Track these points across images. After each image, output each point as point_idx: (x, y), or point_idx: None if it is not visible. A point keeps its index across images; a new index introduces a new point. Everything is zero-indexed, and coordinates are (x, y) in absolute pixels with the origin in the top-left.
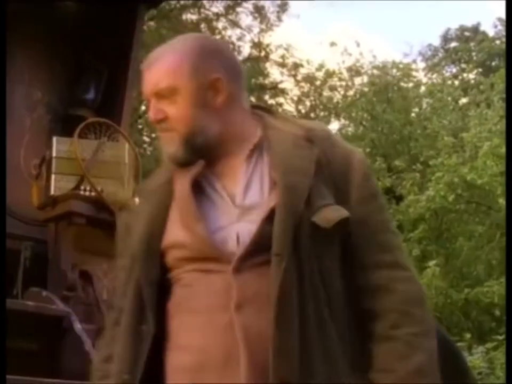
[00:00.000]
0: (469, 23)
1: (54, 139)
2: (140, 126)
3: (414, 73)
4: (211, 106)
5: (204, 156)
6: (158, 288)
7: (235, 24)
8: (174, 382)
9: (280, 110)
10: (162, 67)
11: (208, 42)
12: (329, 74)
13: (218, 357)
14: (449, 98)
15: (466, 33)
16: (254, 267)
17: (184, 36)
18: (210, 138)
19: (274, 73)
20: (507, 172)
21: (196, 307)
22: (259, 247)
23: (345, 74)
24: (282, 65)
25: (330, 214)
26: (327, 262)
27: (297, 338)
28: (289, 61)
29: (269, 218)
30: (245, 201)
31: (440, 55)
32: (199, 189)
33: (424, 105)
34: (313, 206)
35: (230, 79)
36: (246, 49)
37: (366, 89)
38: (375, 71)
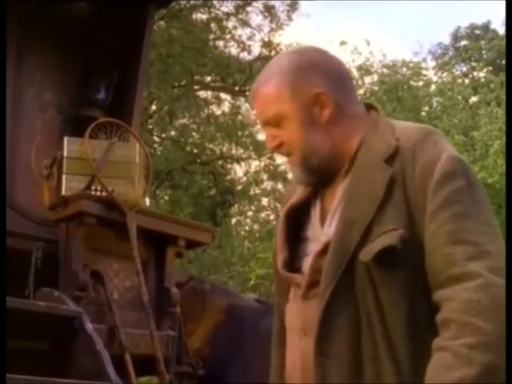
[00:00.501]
0: (479, 21)
1: (65, 139)
2: (150, 126)
3: (424, 72)
4: (319, 123)
5: (327, 174)
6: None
7: (245, 23)
8: None
9: None
10: (263, 96)
11: (302, 57)
12: None
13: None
14: (460, 97)
15: (477, 32)
16: (315, 297)
17: (279, 56)
18: (325, 157)
19: None
20: (507, 172)
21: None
22: (315, 279)
23: (355, 73)
24: None
25: (374, 245)
26: (389, 291)
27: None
28: None
29: (324, 251)
30: (330, 228)
31: (450, 53)
32: (307, 208)
33: (435, 104)
34: (373, 235)
35: (333, 89)
36: (256, 49)
37: (376, 88)
38: (385, 70)
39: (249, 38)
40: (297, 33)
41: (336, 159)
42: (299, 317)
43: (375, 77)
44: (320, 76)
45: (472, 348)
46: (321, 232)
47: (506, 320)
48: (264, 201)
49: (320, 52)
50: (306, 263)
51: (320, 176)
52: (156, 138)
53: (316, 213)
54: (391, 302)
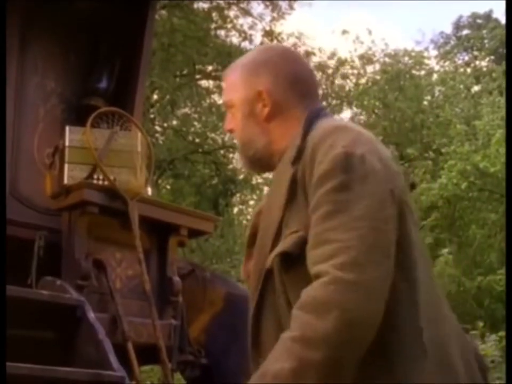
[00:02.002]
0: (481, 10)
1: (67, 128)
2: (152, 115)
3: (426, 61)
4: (259, 119)
5: (264, 166)
6: None
7: (247, 12)
8: None
9: None
10: (225, 82)
11: (261, 55)
12: (341, 63)
13: None
14: (462, 86)
15: (479, 21)
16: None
17: (253, 49)
18: (260, 151)
19: None
20: (507, 172)
21: None
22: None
23: (357, 63)
24: None
25: (274, 251)
26: (296, 293)
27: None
28: (301, 49)
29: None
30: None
31: (452, 42)
32: None
33: (437, 93)
34: (281, 239)
35: (277, 89)
36: (257, 38)
37: (378, 77)
38: (387, 59)
39: (251, 27)
40: (298, 23)
41: (271, 156)
42: None
43: (377, 66)
44: (269, 76)
45: (294, 342)
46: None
47: (506, 319)
48: (266, 190)
49: (282, 53)
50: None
51: (257, 167)
52: (157, 128)
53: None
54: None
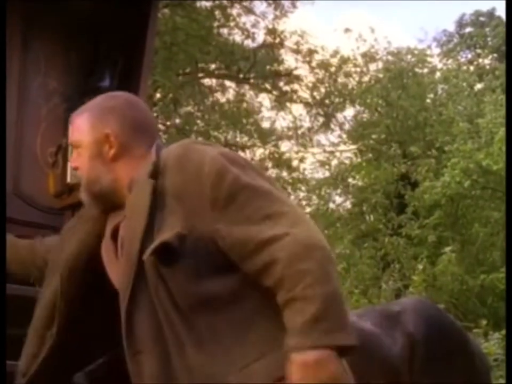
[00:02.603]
0: (484, 8)
1: (70, 127)
2: (155, 114)
3: (429, 59)
4: (105, 159)
5: (106, 203)
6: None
7: (249, 10)
8: None
9: (294, 96)
10: (74, 123)
11: (109, 101)
12: (344, 61)
13: None
14: (465, 84)
15: (481, 19)
16: None
17: (101, 96)
18: (104, 188)
19: (289, 60)
20: (507, 171)
21: None
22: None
23: (360, 61)
24: (297, 51)
25: (152, 245)
26: (176, 281)
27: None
28: (304, 47)
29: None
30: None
31: (455, 40)
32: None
33: (439, 91)
34: (151, 240)
35: (123, 133)
36: (260, 36)
37: (380, 75)
38: (389, 57)
39: (254, 25)
40: (301, 21)
41: (117, 190)
42: None
43: (380, 64)
44: (115, 120)
45: (312, 286)
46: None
47: (506, 312)
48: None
49: (126, 100)
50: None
51: (100, 203)
52: (160, 126)
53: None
54: (180, 291)
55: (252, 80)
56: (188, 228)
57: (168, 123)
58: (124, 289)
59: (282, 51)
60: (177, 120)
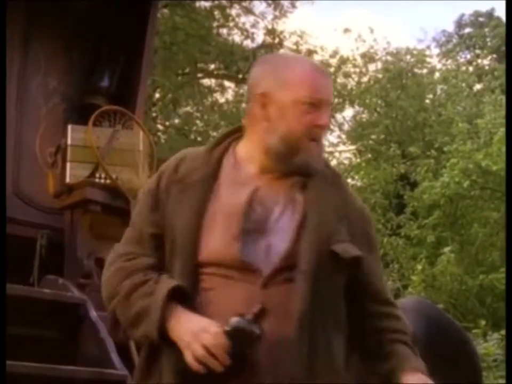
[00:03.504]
0: (483, 8)
1: (69, 127)
2: (154, 114)
3: (428, 59)
4: None
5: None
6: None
7: (249, 11)
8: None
9: None
10: (329, 81)
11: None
12: (343, 61)
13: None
14: (464, 85)
15: (481, 19)
16: (279, 283)
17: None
18: None
19: None
20: (507, 171)
21: (218, 312)
22: (286, 266)
23: (359, 61)
24: (296, 52)
25: (348, 248)
26: (335, 286)
27: (308, 345)
28: (303, 47)
29: (297, 239)
30: (273, 220)
31: (455, 41)
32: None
33: (439, 92)
34: (335, 239)
35: None
36: (259, 36)
37: (380, 75)
38: (389, 58)
39: (253, 25)
40: (300, 21)
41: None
42: (252, 304)
43: (379, 65)
44: None
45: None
46: (273, 227)
47: (506, 312)
48: None
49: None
50: (268, 254)
51: None
52: (159, 126)
53: (258, 206)
54: (335, 295)
55: None
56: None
57: (167, 123)
58: (309, 270)
59: (281, 51)
60: (177, 120)
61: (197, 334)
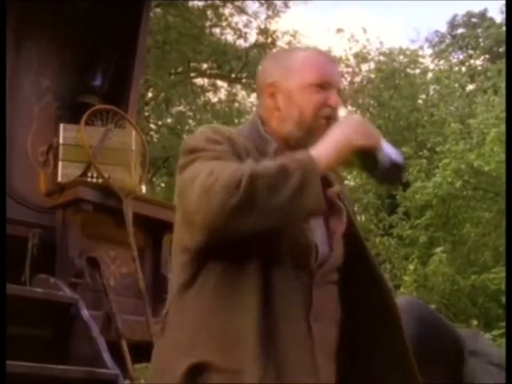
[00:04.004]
0: (476, 9)
1: (61, 126)
2: (147, 113)
3: (421, 59)
4: None
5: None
6: None
7: (242, 10)
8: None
9: None
10: (338, 68)
11: None
12: (336, 61)
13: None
14: (456, 85)
15: (474, 20)
16: (327, 284)
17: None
18: None
19: None
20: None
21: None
22: (333, 267)
23: (352, 61)
24: None
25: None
26: None
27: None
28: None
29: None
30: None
31: (447, 41)
32: None
33: (431, 92)
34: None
35: None
36: (252, 36)
37: (373, 75)
38: (382, 58)
39: (246, 25)
40: (293, 21)
41: None
42: (306, 303)
43: (372, 65)
44: None
45: None
46: (320, 221)
47: (506, 315)
48: None
49: None
50: (324, 251)
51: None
52: (152, 126)
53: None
54: None
55: (243, 80)
56: None
57: (159, 122)
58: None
59: (274, 51)
60: (169, 120)
61: (341, 126)
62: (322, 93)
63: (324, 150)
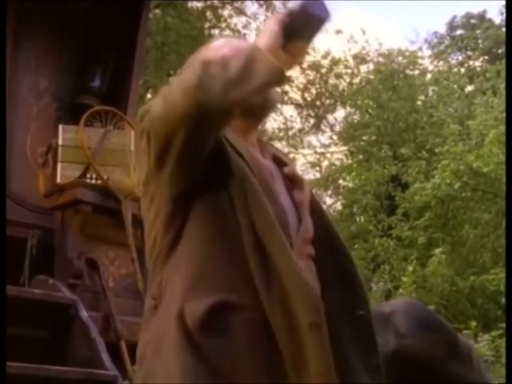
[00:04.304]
0: (475, 10)
1: (60, 127)
2: None
3: (420, 60)
4: None
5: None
6: None
7: (241, 12)
8: None
9: (285, 98)
10: None
11: None
12: (335, 62)
13: None
14: (455, 86)
15: (473, 21)
16: (305, 257)
17: None
18: None
19: None
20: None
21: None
22: (305, 239)
23: (351, 62)
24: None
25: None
26: None
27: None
28: None
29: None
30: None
31: (446, 42)
32: None
33: (430, 93)
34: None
35: None
36: (251, 37)
37: (371, 77)
38: (381, 59)
39: (245, 26)
40: None
41: None
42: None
43: (371, 66)
44: None
45: None
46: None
47: (506, 316)
48: None
49: None
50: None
51: None
52: None
53: (277, 177)
54: None
55: None
56: None
57: None
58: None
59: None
60: None
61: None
62: None
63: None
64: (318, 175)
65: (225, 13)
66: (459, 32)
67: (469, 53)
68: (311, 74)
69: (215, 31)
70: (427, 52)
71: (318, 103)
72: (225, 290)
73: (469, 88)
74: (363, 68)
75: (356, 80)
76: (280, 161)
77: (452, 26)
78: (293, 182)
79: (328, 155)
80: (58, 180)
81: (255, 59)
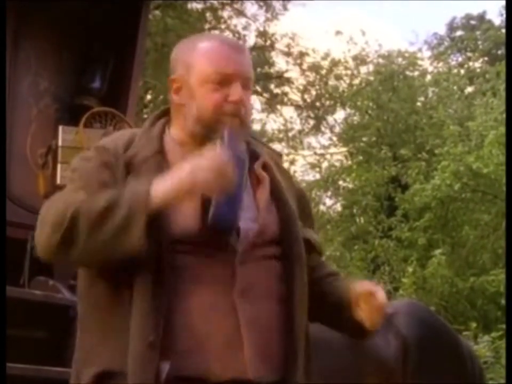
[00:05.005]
0: (475, 11)
1: (60, 128)
2: (146, 115)
3: (419, 62)
4: None
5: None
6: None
7: (240, 13)
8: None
9: (285, 99)
10: (246, 56)
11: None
12: (335, 63)
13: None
14: (455, 87)
15: (472, 22)
16: (259, 259)
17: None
18: None
19: (280, 62)
20: (507, 172)
21: (199, 290)
22: (262, 241)
23: (351, 63)
24: (287, 54)
25: (313, 234)
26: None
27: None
28: (295, 50)
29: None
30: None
31: (446, 43)
32: None
33: (430, 94)
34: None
35: None
36: (251, 39)
37: (371, 78)
38: (380, 60)
39: (245, 27)
40: (292, 23)
41: None
42: (230, 280)
43: (371, 67)
44: None
45: None
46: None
47: (506, 316)
48: None
49: None
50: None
51: None
52: None
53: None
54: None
55: None
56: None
57: None
58: (291, 250)
59: (273, 53)
60: None
61: (193, 166)
62: (222, 89)
63: (164, 186)
64: (317, 176)
65: (225, 14)
66: (459, 33)
67: (469, 54)
68: (311, 76)
69: (215, 32)
70: (427, 53)
71: (317, 104)
72: (110, 359)
73: (469, 89)
74: (363, 69)
75: (356, 81)
76: (253, 156)
77: (451, 27)
78: (258, 179)
79: (328, 156)
80: (58, 181)
81: (132, 224)
